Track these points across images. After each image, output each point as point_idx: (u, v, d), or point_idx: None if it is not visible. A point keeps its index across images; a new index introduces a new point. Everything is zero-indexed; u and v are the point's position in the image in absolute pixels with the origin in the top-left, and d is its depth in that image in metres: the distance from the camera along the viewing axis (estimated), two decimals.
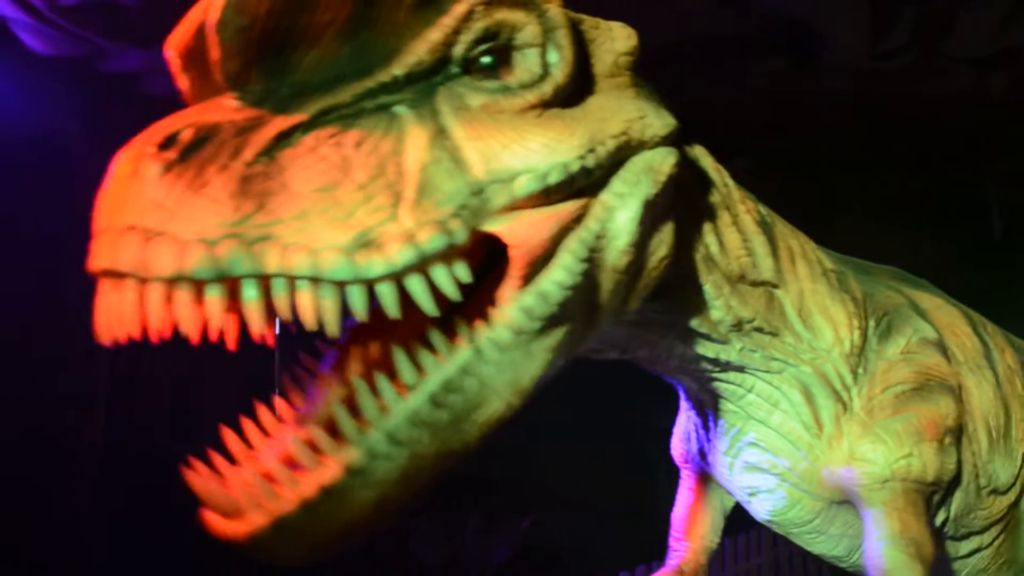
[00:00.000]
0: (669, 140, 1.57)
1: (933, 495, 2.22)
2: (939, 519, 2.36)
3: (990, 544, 2.60)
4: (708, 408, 2.25)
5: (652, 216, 1.51)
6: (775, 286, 2.03)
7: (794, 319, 2.09)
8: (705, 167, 1.91)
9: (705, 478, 2.51)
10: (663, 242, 1.58)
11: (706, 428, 2.35)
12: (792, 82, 5.83)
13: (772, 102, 5.99)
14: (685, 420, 2.53)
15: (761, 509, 2.35)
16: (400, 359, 1.24)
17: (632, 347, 1.93)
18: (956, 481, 2.32)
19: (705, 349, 1.97)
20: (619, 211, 1.44)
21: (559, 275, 1.34)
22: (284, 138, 1.17)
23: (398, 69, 1.30)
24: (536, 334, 1.32)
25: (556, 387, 1.48)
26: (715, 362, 2.01)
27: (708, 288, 1.88)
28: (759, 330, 2.00)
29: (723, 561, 4.45)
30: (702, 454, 2.42)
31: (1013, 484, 2.55)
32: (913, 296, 2.48)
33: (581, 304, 1.40)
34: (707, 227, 1.88)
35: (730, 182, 1.97)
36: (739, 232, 1.95)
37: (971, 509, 2.42)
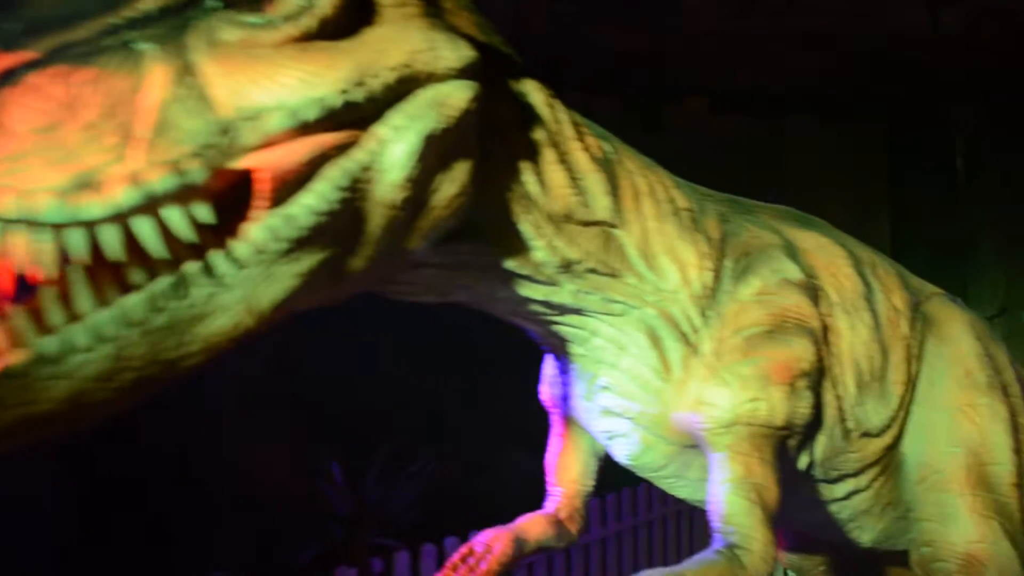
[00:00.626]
0: (467, 73, 1.49)
1: (787, 439, 2.18)
2: (802, 462, 2.33)
3: (868, 486, 2.58)
4: (561, 352, 2.21)
5: (437, 152, 1.43)
6: (613, 226, 1.96)
7: (636, 260, 2.02)
8: (534, 103, 1.82)
9: (574, 422, 2.49)
10: (455, 180, 1.51)
11: (565, 372, 2.31)
12: (743, 18, 5.70)
13: (723, 39, 5.86)
14: (550, 364, 2.50)
15: (619, 453, 2.32)
16: (132, 264, 1.18)
17: (449, 290, 1.87)
18: (817, 424, 2.28)
19: (531, 291, 1.90)
20: (394, 144, 1.37)
21: (310, 200, 1.28)
22: (8, 77, 1.11)
23: (149, 3, 1.23)
24: (280, 256, 1.27)
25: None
26: (548, 305, 1.95)
27: (526, 229, 1.81)
28: (594, 271, 1.94)
29: (618, 513, 4.41)
30: (566, 398, 2.39)
31: (888, 426, 2.51)
32: (792, 236, 2.42)
33: (340, 234, 1.33)
34: (525, 165, 1.80)
35: (564, 118, 1.88)
36: (566, 170, 1.87)
37: (840, 452, 2.39)
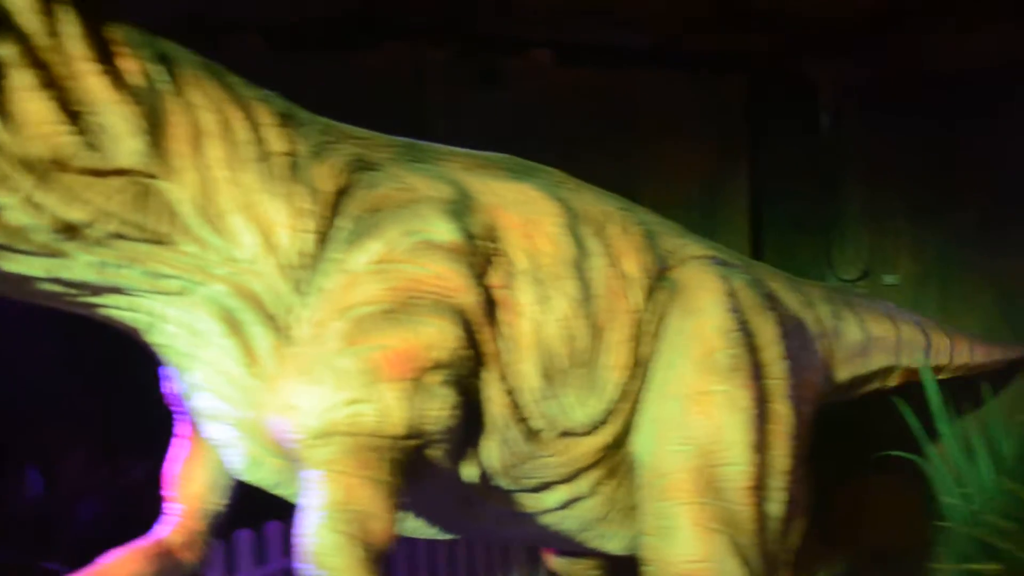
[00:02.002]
0: None
1: (423, 449, 1.78)
2: (469, 473, 1.94)
3: (593, 493, 2.20)
4: (148, 342, 1.78)
5: None
6: (151, 176, 1.52)
7: (193, 221, 1.58)
8: (11, 7, 1.37)
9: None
10: None
11: (168, 366, 1.88)
12: None
13: None
14: None
15: (231, 467, 1.90)
16: None
17: None
18: (480, 427, 1.89)
19: (22, 266, 1.45)
20: None
21: None
22: None
23: None
24: None
25: None
26: (62, 283, 1.51)
27: None
28: (123, 237, 1.50)
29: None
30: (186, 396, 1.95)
31: (604, 422, 2.13)
32: (478, 188, 2.00)
33: None
34: None
35: (72, 29, 1.43)
36: (57, 100, 1.42)
37: (529, 457, 2.00)
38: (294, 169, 1.74)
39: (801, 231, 6.96)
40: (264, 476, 1.90)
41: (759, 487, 2.21)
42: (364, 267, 1.76)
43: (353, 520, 1.63)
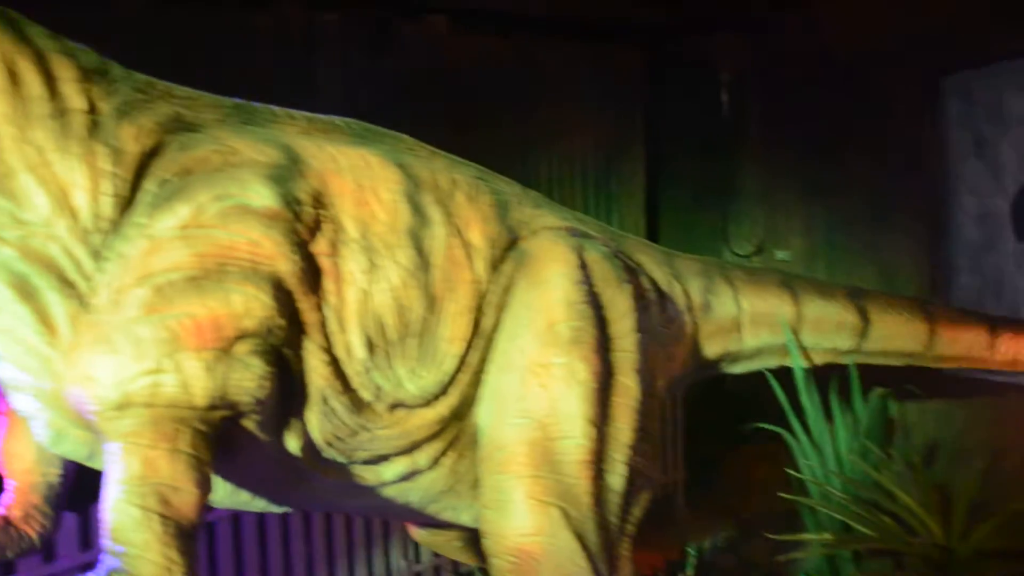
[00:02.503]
0: None
1: (237, 419, 1.71)
2: (291, 445, 1.87)
3: (434, 465, 2.15)
4: None
5: None
6: None
7: None
8: None
9: None
10: None
11: None
12: None
13: None
14: None
15: (40, 439, 1.81)
16: None
17: None
18: (298, 396, 1.83)
19: None
20: None
21: None
22: None
23: None
24: None
25: None
26: None
27: None
28: None
29: None
30: None
31: (442, 393, 2.08)
32: (311, 151, 1.92)
33: None
34: None
35: None
36: None
37: (358, 429, 1.94)
38: (94, 128, 1.63)
39: (698, 206, 7.04)
40: (71, 448, 1.80)
41: (597, 461, 2.19)
42: (169, 232, 1.67)
43: (152, 494, 1.57)
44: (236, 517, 3.69)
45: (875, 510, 2.32)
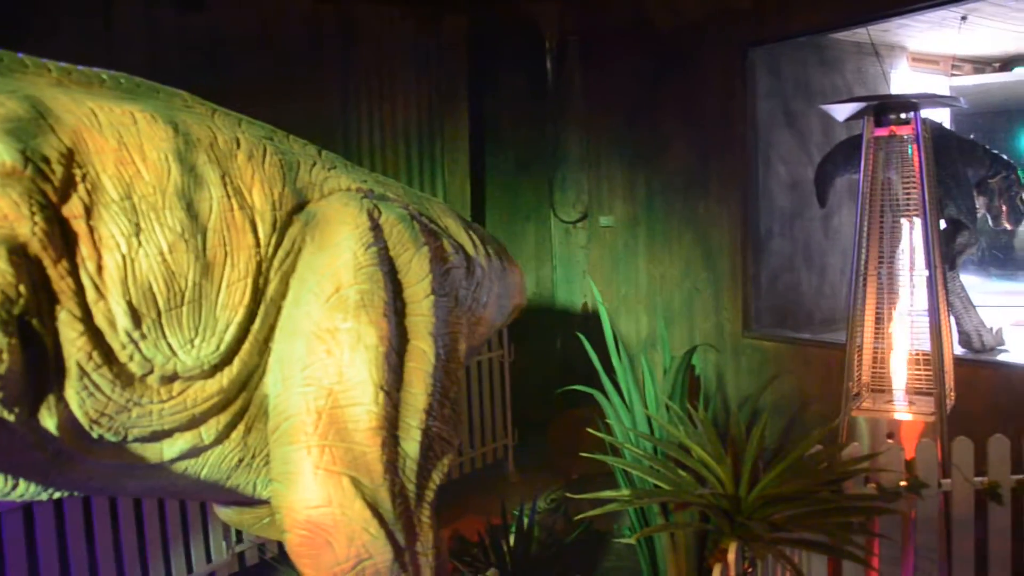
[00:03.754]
0: None
1: None
2: (49, 425, 1.72)
3: (221, 439, 2.03)
4: None
5: None
6: None
7: None
8: None
9: None
10: None
11: None
12: None
13: None
14: None
15: None
16: None
17: None
18: (50, 372, 1.68)
19: None
20: None
21: None
22: None
23: None
24: None
25: None
26: None
27: None
28: None
29: None
30: None
31: (223, 363, 1.97)
32: (64, 107, 1.74)
33: None
34: None
35: None
36: None
37: (130, 405, 1.81)
38: None
39: (524, 173, 7.08)
40: None
41: (391, 427, 2.13)
42: None
43: None
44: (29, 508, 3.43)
45: (675, 466, 2.38)
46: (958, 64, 8.60)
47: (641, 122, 6.44)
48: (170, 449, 1.94)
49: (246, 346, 1.98)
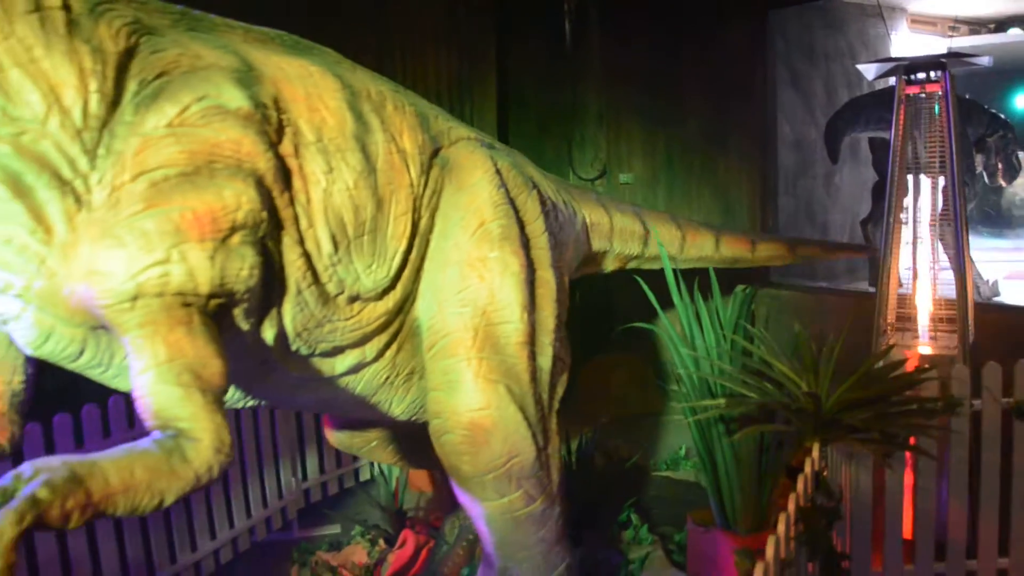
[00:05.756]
0: None
1: (229, 307, 1.84)
2: (268, 335, 2.01)
3: (378, 357, 2.34)
4: None
5: None
6: None
7: None
8: None
9: None
10: None
11: None
12: None
13: None
14: None
15: (20, 342, 1.84)
16: None
17: None
18: (277, 287, 1.97)
19: None
20: None
21: None
22: None
23: None
24: None
25: None
26: None
27: None
28: None
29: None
30: None
31: (390, 288, 2.27)
32: (261, 60, 2.02)
33: None
34: None
35: None
36: None
37: (323, 320, 2.10)
38: (73, 27, 1.64)
39: (545, 134, 7.33)
40: (58, 348, 1.81)
41: (531, 343, 2.45)
42: (159, 130, 1.72)
43: (186, 370, 1.65)
44: None
45: (757, 377, 2.72)
46: (954, 26, 8.91)
47: (660, 83, 6.68)
48: (341, 364, 2.24)
49: (406, 273, 2.28)
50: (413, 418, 2.60)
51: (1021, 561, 3.35)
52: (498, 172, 2.52)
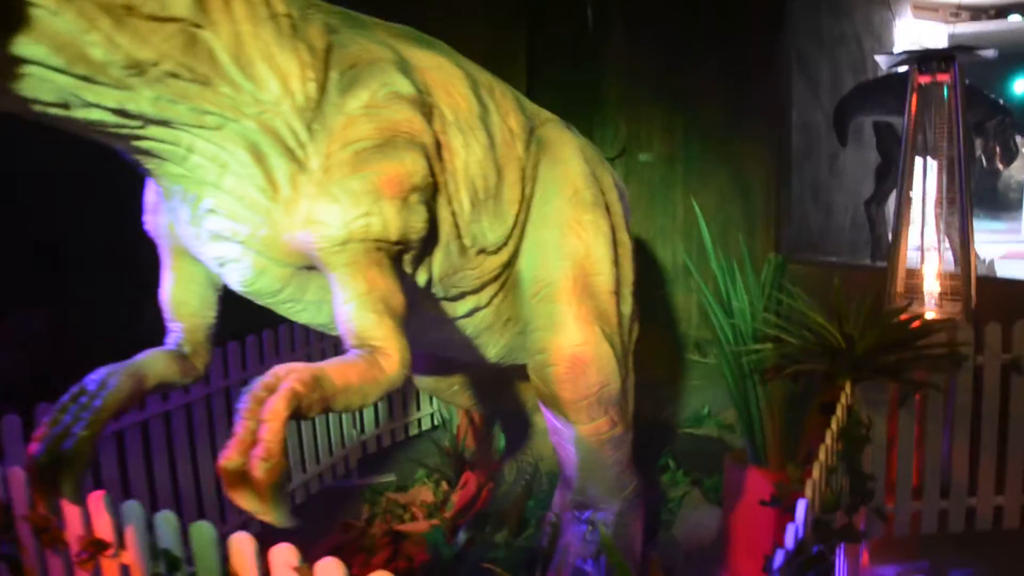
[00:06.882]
0: None
1: (403, 253, 2.25)
2: (421, 279, 2.44)
3: (488, 303, 2.78)
4: (160, 173, 2.07)
5: None
6: (197, 26, 1.82)
7: (230, 67, 1.89)
8: None
9: (184, 252, 2.37)
10: None
11: (168, 196, 2.18)
12: None
13: None
14: (152, 189, 2.35)
15: (232, 280, 2.27)
16: None
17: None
18: (434, 240, 2.39)
19: (99, 96, 1.71)
20: None
21: None
22: None
23: None
24: None
25: None
26: (125, 114, 1.79)
27: (72, 19, 1.59)
28: (176, 76, 1.79)
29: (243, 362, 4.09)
30: (172, 226, 2.27)
31: (505, 244, 2.70)
32: (407, 53, 2.42)
33: None
34: None
35: None
36: None
37: (458, 269, 2.53)
38: (295, 29, 2.04)
39: (567, 113, 7.64)
40: (266, 284, 2.22)
41: (617, 292, 2.90)
42: (357, 110, 2.12)
43: (380, 300, 2.06)
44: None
45: (796, 325, 3.14)
46: (956, 12, 9.28)
47: (679, 67, 7.03)
48: (462, 307, 2.68)
49: (515, 232, 2.72)
50: (500, 361, 3.04)
51: (1016, 498, 3.82)
52: (582, 148, 2.96)
